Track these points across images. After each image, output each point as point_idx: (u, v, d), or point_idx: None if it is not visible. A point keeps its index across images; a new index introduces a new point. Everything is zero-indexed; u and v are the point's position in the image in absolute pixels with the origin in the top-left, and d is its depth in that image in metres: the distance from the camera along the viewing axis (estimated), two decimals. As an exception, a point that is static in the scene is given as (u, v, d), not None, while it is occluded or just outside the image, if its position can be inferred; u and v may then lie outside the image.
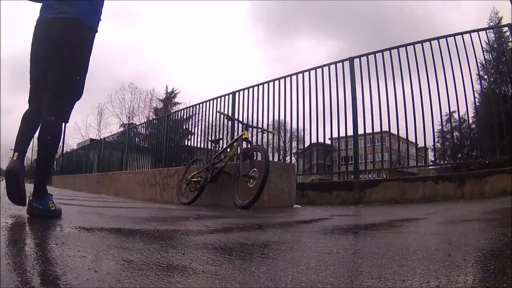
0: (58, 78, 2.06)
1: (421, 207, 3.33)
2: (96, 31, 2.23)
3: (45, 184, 2.10)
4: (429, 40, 4.25)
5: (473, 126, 7.83)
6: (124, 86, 33.91)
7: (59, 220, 2.02)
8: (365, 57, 4.73)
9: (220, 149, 5.03)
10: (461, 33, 4.03)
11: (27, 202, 2.00)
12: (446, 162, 5.93)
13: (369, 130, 4.63)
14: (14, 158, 1.98)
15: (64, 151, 19.84)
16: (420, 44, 4.30)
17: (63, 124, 2.16)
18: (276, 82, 5.57)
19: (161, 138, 8.20)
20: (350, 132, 4.78)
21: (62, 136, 2.35)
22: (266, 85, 5.70)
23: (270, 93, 5.60)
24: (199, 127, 7.10)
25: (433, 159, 5.69)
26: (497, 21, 22.31)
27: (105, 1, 2.29)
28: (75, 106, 2.21)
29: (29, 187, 2.08)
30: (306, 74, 5.21)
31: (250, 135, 4.09)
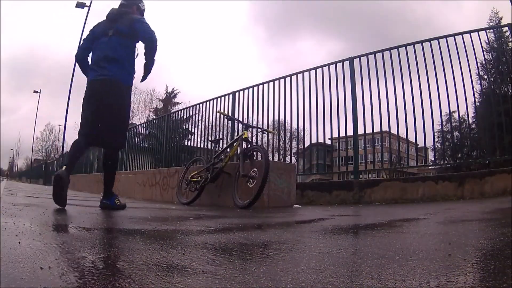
0: (113, 122, 3.00)
1: (421, 207, 3.32)
2: (131, 85, 3.19)
3: (111, 188, 3.09)
4: (429, 40, 4.25)
5: (473, 126, 7.81)
6: (124, 86, 33.66)
7: (60, 220, 2.03)
8: (365, 57, 4.73)
9: (220, 149, 5.02)
10: (461, 33, 4.03)
11: (66, 204, 2.69)
12: (446, 162, 5.92)
13: (369, 130, 4.63)
14: (63, 169, 2.71)
15: (64, 151, 19.84)
16: (420, 44, 4.29)
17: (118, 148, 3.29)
18: (276, 82, 5.57)
19: (161, 138, 8.20)
20: (350, 132, 4.79)
21: (118, 159, 3.39)
22: (266, 85, 5.69)
23: (270, 93, 5.60)
24: (199, 127, 7.10)
25: (433, 159, 5.68)
26: (497, 21, 22.26)
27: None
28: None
29: (25, 186, 2.10)
30: (306, 74, 5.20)
31: (250, 135, 4.09)
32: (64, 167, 2.74)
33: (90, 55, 3.17)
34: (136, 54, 3.19)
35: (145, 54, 3.11)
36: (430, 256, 1.09)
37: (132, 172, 7.87)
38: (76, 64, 3.37)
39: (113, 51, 3.00)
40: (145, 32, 3.08)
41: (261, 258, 1.17)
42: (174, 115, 8.51)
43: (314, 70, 5.14)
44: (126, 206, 3.11)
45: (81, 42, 3.22)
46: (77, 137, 3.02)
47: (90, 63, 3.12)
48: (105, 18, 3.22)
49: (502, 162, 4.05)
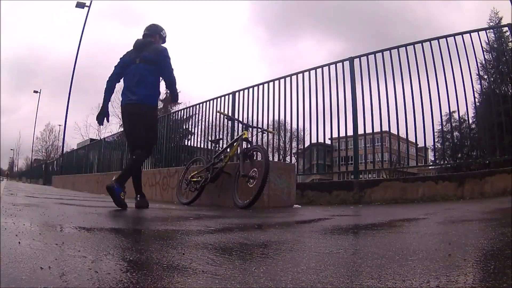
0: (140, 135, 3.50)
1: (421, 207, 3.32)
2: (157, 105, 3.72)
3: (124, 181, 3.29)
4: (429, 40, 4.25)
5: (473, 126, 7.80)
6: (124, 86, 33.59)
7: (59, 220, 2.02)
8: (365, 57, 4.73)
9: (220, 149, 5.02)
10: (461, 33, 4.03)
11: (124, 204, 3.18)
12: (446, 162, 5.91)
13: (369, 130, 4.62)
14: (138, 199, 3.46)
15: (64, 151, 19.85)
16: (420, 44, 4.29)
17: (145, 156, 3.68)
18: (276, 82, 5.56)
19: (161, 138, 8.20)
20: (350, 132, 4.78)
21: (143, 163, 3.97)
22: (266, 85, 5.69)
23: (270, 93, 5.59)
24: (199, 127, 7.10)
25: (433, 159, 5.68)
26: (497, 21, 22.23)
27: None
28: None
29: (25, 186, 2.10)
30: (306, 74, 5.20)
31: (250, 135, 4.09)
32: (139, 196, 3.49)
33: (122, 80, 3.67)
34: (160, 79, 3.65)
35: (166, 88, 3.76)
36: (430, 256, 1.09)
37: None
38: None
39: (140, 77, 3.47)
40: (166, 72, 3.58)
41: (261, 258, 1.17)
42: (174, 115, 8.51)
43: (314, 70, 5.13)
44: (127, 206, 3.20)
45: (114, 68, 3.66)
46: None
47: (122, 89, 3.59)
48: (132, 48, 3.65)
49: (502, 162, 4.05)
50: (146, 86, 3.47)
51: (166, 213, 3.14)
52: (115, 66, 3.66)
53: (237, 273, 0.93)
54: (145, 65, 3.49)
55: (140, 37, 3.74)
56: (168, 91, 3.73)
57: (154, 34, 3.75)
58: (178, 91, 3.82)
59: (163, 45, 3.76)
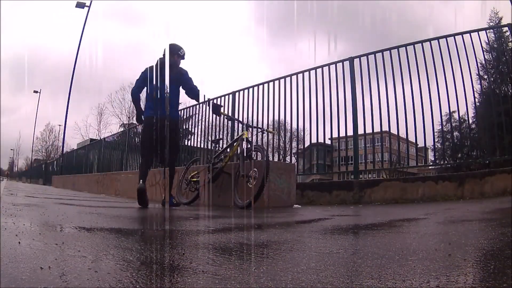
0: (174, 146, 3.96)
1: (421, 207, 3.33)
2: (178, 118, 4.24)
3: (172, 189, 4.00)
4: (429, 40, 4.24)
5: (473, 126, 7.80)
6: (124, 86, 33.63)
7: (59, 220, 2.03)
8: (365, 57, 4.72)
9: (220, 149, 5.02)
10: (461, 33, 4.03)
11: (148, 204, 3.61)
12: (446, 162, 5.91)
13: (369, 130, 4.62)
14: (141, 182, 3.58)
15: (64, 151, 19.84)
16: (420, 44, 4.29)
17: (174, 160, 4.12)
18: (276, 82, 5.56)
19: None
20: (350, 132, 4.78)
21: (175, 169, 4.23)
22: (266, 85, 5.68)
23: (270, 93, 5.58)
24: (199, 127, 7.10)
25: (433, 159, 5.68)
26: (497, 21, 22.22)
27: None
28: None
29: (25, 186, 2.10)
30: (306, 74, 5.19)
31: (250, 135, 4.09)
32: (141, 181, 3.64)
33: (145, 94, 4.04)
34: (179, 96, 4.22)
35: (193, 99, 4.24)
36: (430, 256, 1.09)
37: (132, 172, 7.86)
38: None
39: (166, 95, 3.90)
40: (192, 91, 4.02)
41: (261, 258, 1.17)
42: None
43: (314, 70, 5.12)
44: (180, 204, 3.98)
45: (135, 82, 4.04)
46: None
47: (146, 101, 4.02)
48: (154, 65, 3.99)
49: (502, 162, 4.04)
50: (172, 104, 3.98)
51: (166, 213, 3.14)
52: (137, 81, 4.06)
53: (237, 273, 0.93)
54: (170, 85, 3.96)
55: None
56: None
57: (173, 54, 4.08)
58: (215, 100, 4.21)
59: (182, 62, 4.19)
